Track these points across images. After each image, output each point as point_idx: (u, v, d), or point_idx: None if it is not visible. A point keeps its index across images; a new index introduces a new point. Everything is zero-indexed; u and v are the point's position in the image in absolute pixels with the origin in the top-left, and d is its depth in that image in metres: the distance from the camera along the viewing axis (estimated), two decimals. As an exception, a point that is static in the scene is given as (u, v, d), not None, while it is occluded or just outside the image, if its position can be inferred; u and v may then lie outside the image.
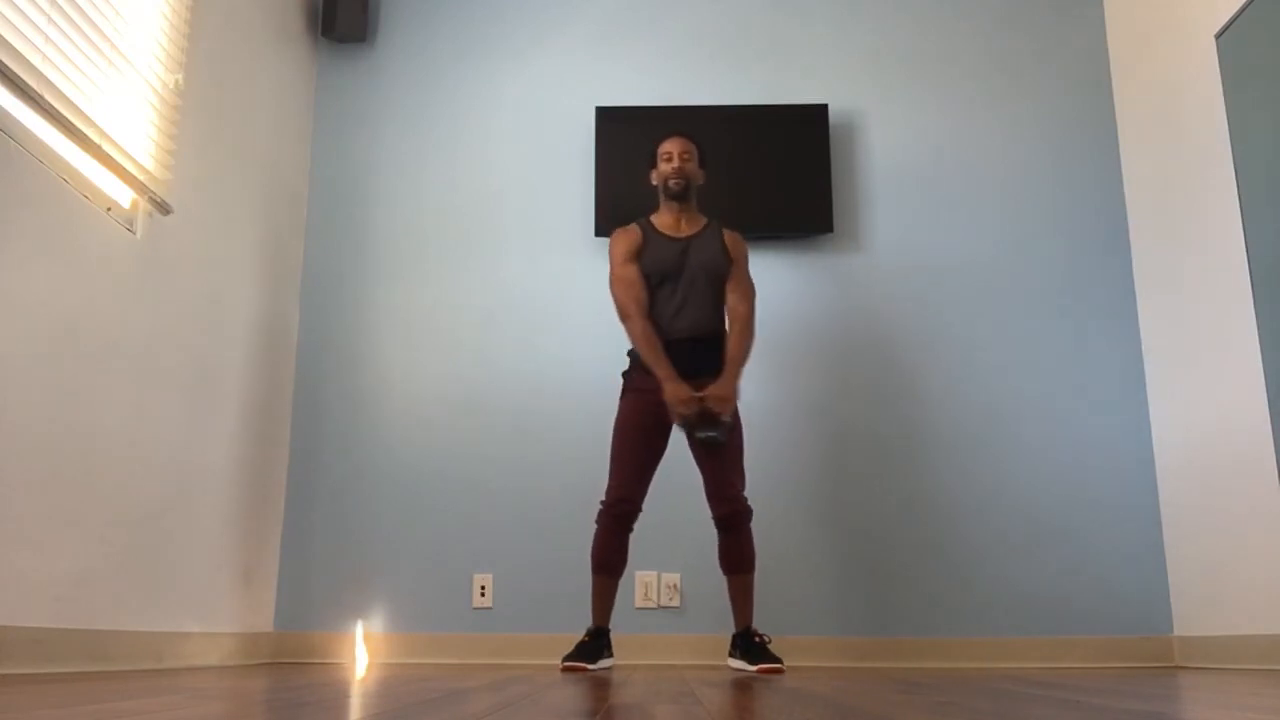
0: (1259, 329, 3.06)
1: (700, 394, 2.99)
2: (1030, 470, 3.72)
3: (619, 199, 3.87)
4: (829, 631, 3.57)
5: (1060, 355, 3.81)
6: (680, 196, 3.16)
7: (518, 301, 3.90)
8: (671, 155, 3.18)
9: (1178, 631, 3.55)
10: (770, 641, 3.05)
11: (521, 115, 4.07)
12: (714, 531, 3.62)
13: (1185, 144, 3.50)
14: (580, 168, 4.00)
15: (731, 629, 3.58)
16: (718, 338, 3.13)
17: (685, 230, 3.19)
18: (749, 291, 3.19)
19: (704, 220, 3.23)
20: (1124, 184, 3.94)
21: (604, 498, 3.07)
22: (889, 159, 4.00)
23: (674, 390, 2.98)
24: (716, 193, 3.87)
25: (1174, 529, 3.58)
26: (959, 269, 3.90)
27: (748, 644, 3.02)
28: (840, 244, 3.93)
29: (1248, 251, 3.11)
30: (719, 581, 3.62)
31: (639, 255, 3.13)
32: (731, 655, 3.09)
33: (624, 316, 3.09)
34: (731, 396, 3.01)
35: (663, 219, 3.20)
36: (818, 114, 3.93)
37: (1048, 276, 3.88)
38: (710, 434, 2.98)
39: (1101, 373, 3.79)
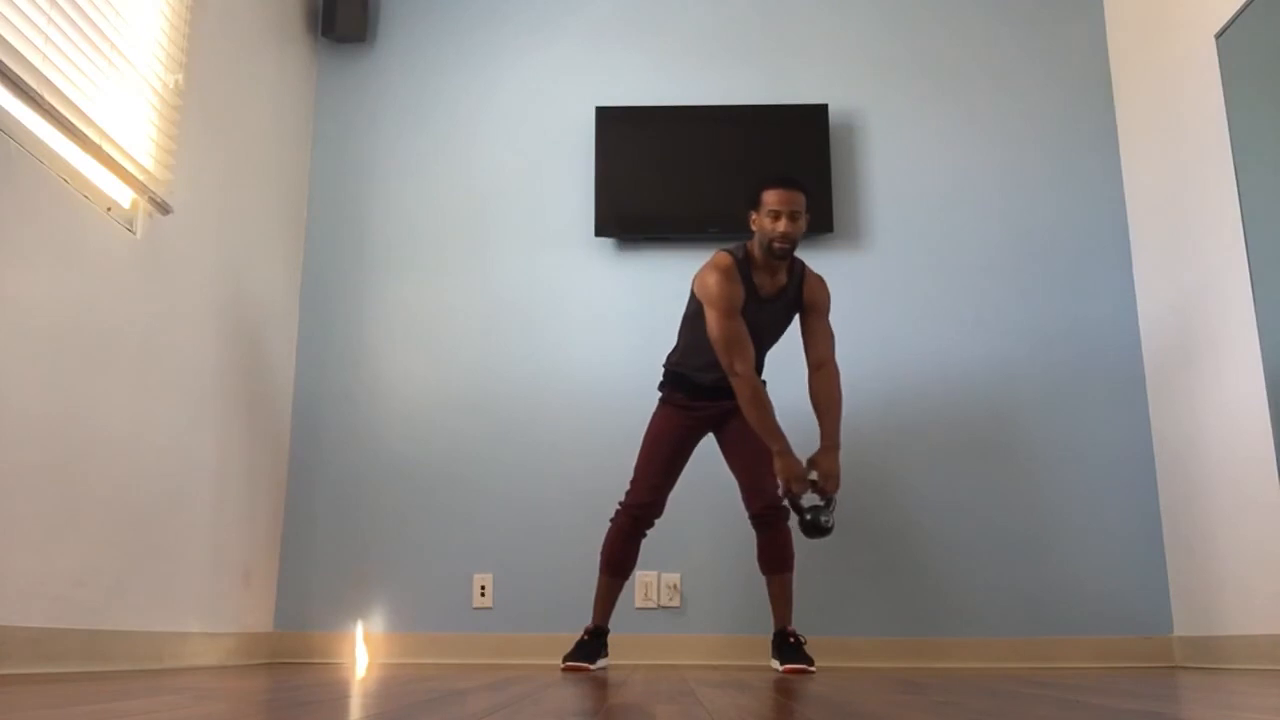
0: (1259, 329, 3.06)
1: (811, 473, 2.88)
2: (1030, 470, 3.72)
3: (619, 199, 3.87)
4: (829, 632, 3.57)
5: (1060, 355, 3.81)
6: (784, 258, 2.93)
7: (518, 301, 3.90)
8: (779, 214, 2.87)
9: (1178, 631, 3.55)
10: (805, 642, 3.06)
11: (521, 115, 4.07)
12: (714, 532, 3.63)
13: (1185, 144, 3.50)
14: (580, 168, 4.00)
15: (732, 630, 3.59)
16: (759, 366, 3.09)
17: (774, 287, 2.98)
18: (830, 342, 3.02)
19: (790, 266, 3.01)
20: (1124, 184, 3.93)
21: (624, 499, 3.07)
22: (889, 159, 4.00)
23: (788, 466, 2.86)
24: (717, 193, 3.87)
25: (1174, 529, 3.58)
26: (959, 268, 3.90)
27: (782, 644, 3.03)
28: (840, 244, 3.92)
29: (1247, 251, 3.11)
30: (719, 582, 3.63)
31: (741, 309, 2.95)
32: (772, 655, 3.10)
33: (732, 374, 2.89)
34: (837, 471, 2.90)
35: (760, 274, 2.96)
36: (818, 114, 3.93)
37: (1048, 276, 3.88)
38: (824, 518, 2.83)
39: (1101, 372, 3.79)
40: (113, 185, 2.68)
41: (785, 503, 2.94)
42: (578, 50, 4.12)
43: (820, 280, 3.07)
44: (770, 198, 2.90)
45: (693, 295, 3.03)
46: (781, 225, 2.87)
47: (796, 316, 3.10)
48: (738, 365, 2.87)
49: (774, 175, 2.96)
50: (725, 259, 2.93)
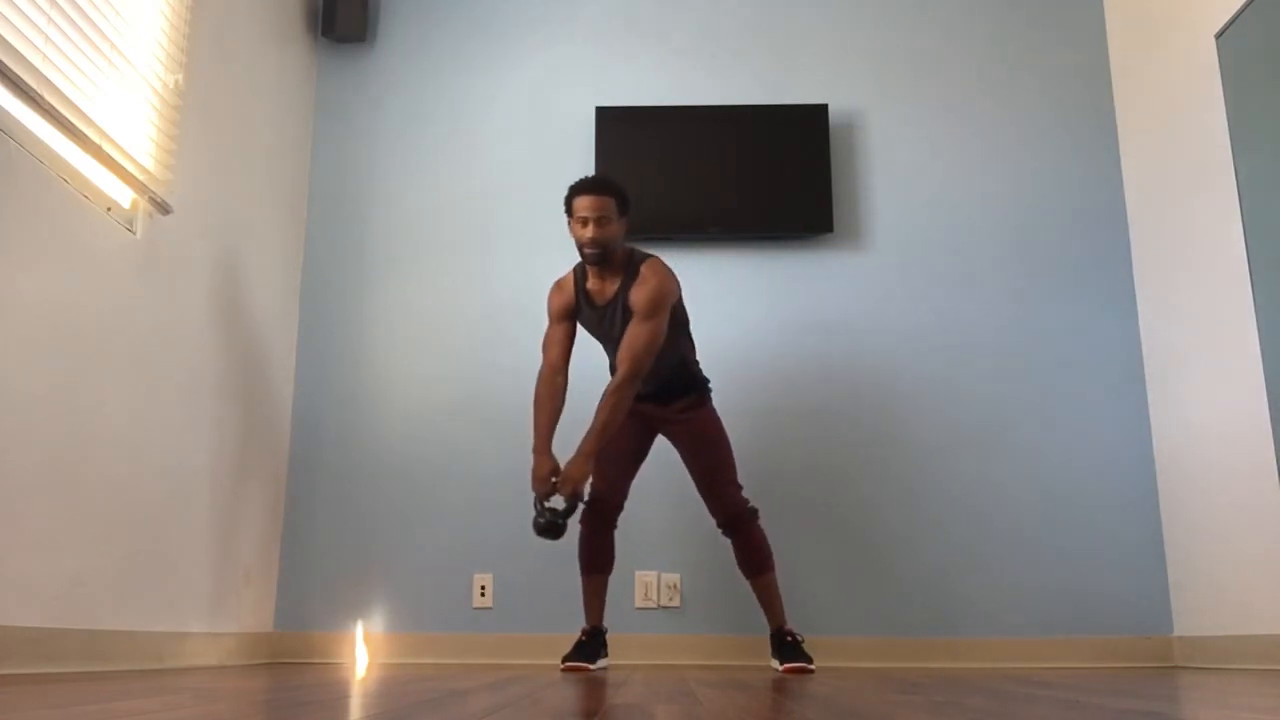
0: (1259, 328, 3.06)
1: (556, 475, 2.88)
2: (1030, 470, 3.72)
3: (619, 199, 3.87)
4: (829, 632, 3.57)
5: (1060, 355, 3.81)
6: (598, 263, 2.95)
7: (518, 301, 3.90)
8: (587, 220, 2.90)
9: (1178, 631, 3.55)
10: (803, 641, 3.06)
11: (521, 115, 4.07)
12: (714, 532, 3.62)
13: (1185, 144, 3.50)
14: (580, 168, 4.00)
15: (732, 630, 3.59)
16: (680, 368, 3.08)
17: (607, 292, 2.99)
18: (637, 343, 2.88)
19: (624, 268, 2.97)
20: (1124, 184, 3.93)
21: (586, 498, 3.08)
22: (889, 159, 4.00)
23: (535, 464, 2.93)
24: (717, 193, 3.87)
25: (1174, 529, 3.58)
26: (958, 269, 3.90)
27: (781, 643, 3.04)
28: (840, 244, 3.92)
29: (1247, 251, 3.11)
30: (719, 581, 3.63)
31: (573, 315, 3.07)
32: (771, 655, 3.11)
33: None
34: (579, 477, 2.86)
35: (593, 281, 3.02)
36: (818, 114, 3.93)
37: (1047, 276, 3.88)
38: (541, 519, 2.84)
39: (1101, 372, 3.79)
40: (113, 185, 2.68)
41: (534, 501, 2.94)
42: (578, 50, 4.12)
43: (648, 278, 2.93)
44: (579, 204, 2.92)
45: None
46: (590, 231, 2.90)
47: None
48: (543, 369, 3.05)
49: (583, 181, 2.97)
50: (567, 273, 3.10)
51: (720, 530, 3.06)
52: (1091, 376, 3.79)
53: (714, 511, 3.04)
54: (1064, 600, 3.61)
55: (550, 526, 2.84)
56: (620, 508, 3.10)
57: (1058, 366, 3.81)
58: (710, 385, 3.17)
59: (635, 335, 2.91)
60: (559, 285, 3.09)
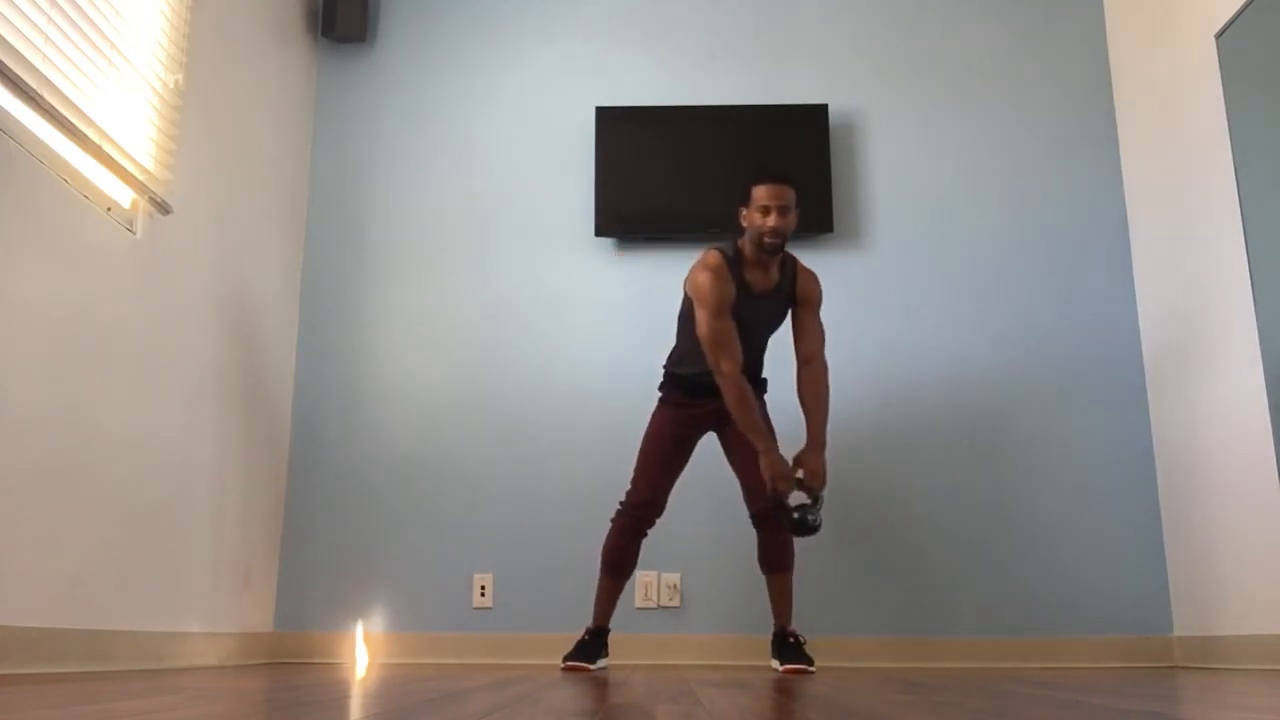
0: (1259, 329, 3.06)
1: (797, 471, 2.87)
2: (1030, 470, 3.72)
3: (619, 199, 3.87)
4: (829, 632, 3.57)
5: (1060, 355, 3.81)
6: (774, 252, 2.92)
7: (518, 301, 3.90)
8: (769, 209, 2.87)
9: (1178, 631, 3.55)
10: (805, 642, 3.06)
11: (521, 115, 4.07)
12: (714, 532, 3.63)
13: (1185, 144, 3.50)
14: (580, 168, 4.00)
15: (732, 630, 3.59)
16: (760, 363, 3.10)
17: (765, 283, 2.97)
18: (821, 338, 3.02)
19: (782, 261, 3.01)
20: (1124, 184, 3.93)
21: (624, 498, 3.06)
22: (889, 159, 4.00)
23: (774, 465, 2.84)
24: (717, 193, 3.86)
25: (1174, 529, 3.58)
26: (959, 268, 3.90)
27: (782, 644, 3.03)
28: (840, 244, 3.93)
29: (1248, 251, 3.11)
30: (719, 582, 3.63)
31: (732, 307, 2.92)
32: (772, 655, 3.11)
33: (719, 373, 2.87)
34: (825, 469, 2.90)
35: (751, 269, 2.95)
36: (818, 114, 3.93)
37: (1048, 276, 3.88)
38: (811, 517, 2.81)
39: (1102, 372, 3.79)
40: (113, 185, 2.68)
41: (773, 502, 2.91)
42: (578, 50, 4.12)
43: (812, 275, 3.07)
44: (760, 193, 2.89)
45: (686, 295, 3.02)
46: (772, 220, 2.87)
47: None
48: (724, 364, 2.86)
49: (764, 170, 2.94)
50: (716, 257, 2.91)
51: (752, 521, 3.04)
52: (1091, 376, 3.79)
53: (753, 502, 3.02)
54: (1064, 600, 3.61)
55: (812, 525, 2.83)
56: (660, 514, 3.07)
57: (1057, 366, 3.81)
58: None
59: (819, 329, 3.04)
60: (719, 273, 2.88)
